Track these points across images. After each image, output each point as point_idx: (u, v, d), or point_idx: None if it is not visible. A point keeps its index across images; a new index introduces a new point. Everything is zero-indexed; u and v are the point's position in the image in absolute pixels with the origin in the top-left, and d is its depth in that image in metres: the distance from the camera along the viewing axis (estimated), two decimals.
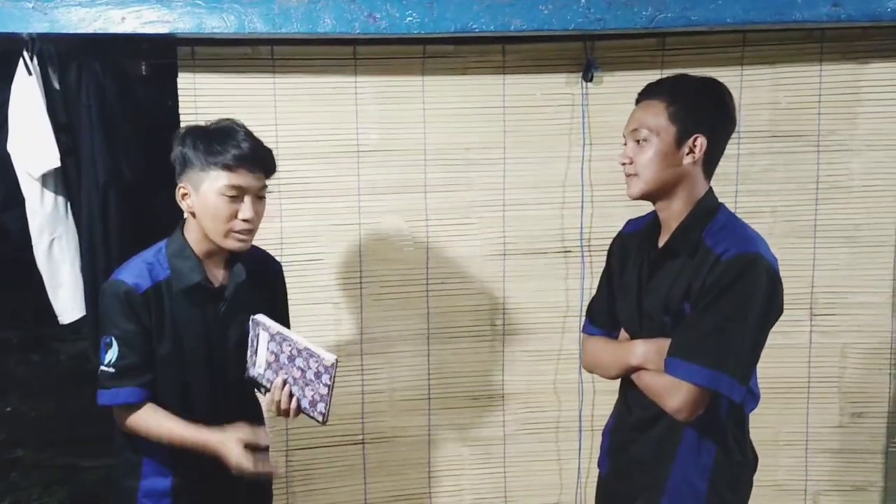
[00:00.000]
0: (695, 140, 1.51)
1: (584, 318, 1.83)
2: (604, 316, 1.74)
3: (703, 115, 1.52)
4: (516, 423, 2.46)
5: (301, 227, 2.29)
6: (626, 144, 1.59)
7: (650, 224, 1.66)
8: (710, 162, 1.56)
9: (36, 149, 2.05)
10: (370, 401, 2.39)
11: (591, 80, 2.26)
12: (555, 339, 2.42)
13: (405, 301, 2.37)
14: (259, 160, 1.60)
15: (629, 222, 1.77)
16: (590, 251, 2.36)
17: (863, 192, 2.33)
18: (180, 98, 2.16)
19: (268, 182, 1.65)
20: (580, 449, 2.45)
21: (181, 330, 1.64)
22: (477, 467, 2.48)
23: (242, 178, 1.57)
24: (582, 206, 2.34)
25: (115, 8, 1.92)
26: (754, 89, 2.29)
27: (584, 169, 2.33)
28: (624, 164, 1.57)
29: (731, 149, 2.29)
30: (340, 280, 2.33)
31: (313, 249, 2.30)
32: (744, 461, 1.61)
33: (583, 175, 2.33)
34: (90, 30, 1.92)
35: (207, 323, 1.66)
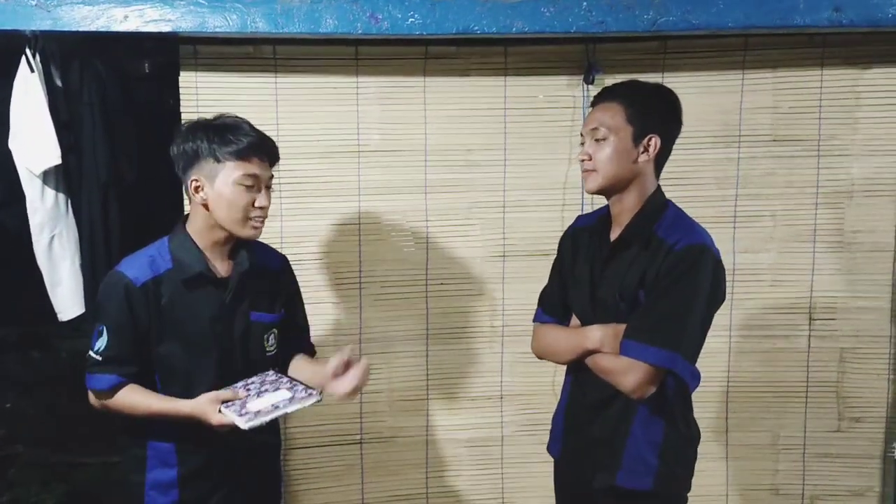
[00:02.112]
0: (649, 140, 1.64)
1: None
2: (556, 305, 1.83)
3: (657, 117, 1.65)
4: (514, 424, 2.46)
5: (301, 227, 2.29)
6: (583, 143, 1.70)
7: (601, 219, 1.77)
8: (660, 160, 1.68)
9: (37, 146, 2.06)
10: (369, 401, 2.40)
11: (592, 83, 2.26)
12: None
13: (405, 301, 2.37)
14: (269, 149, 1.67)
15: (579, 218, 1.91)
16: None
17: (863, 197, 2.34)
18: (182, 97, 2.17)
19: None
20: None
21: (185, 320, 1.67)
22: (475, 468, 2.48)
23: (257, 168, 1.63)
24: (582, 208, 2.34)
25: (117, 6, 1.93)
26: (755, 93, 2.29)
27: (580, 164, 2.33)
28: (583, 160, 1.68)
29: (731, 152, 2.32)
30: (340, 280, 2.34)
31: (313, 249, 2.31)
32: (689, 435, 1.72)
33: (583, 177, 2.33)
34: (93, 28, 1.93)
35: (212, 313, 1.69)
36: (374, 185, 2.30)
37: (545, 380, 2.43)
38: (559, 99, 2.31)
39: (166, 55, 2.17)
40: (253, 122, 2.17)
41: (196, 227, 1.69)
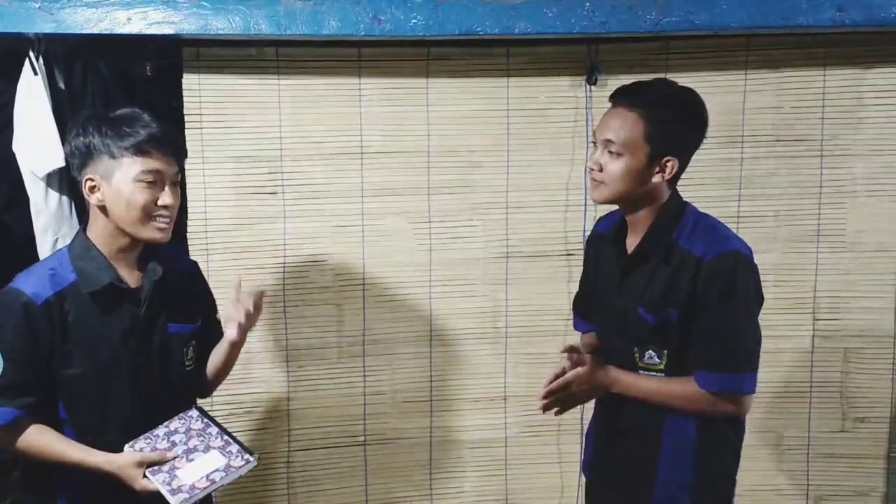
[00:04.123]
0: (666, 162, 1.54)
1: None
2: (589, 310, 1.84)
3: (679, 137, 1.55)
4: (518, 426, 2.46)
5: (304, 229, 2.29)
6: (595, 146, 1.61)
7: (617, 225, 1.70)
8: (676, 178, 1.59)
9: (41, 148, 2.05)
10: (372, 402, 2.40)
11: (594, 84, 2.27)
12: (557, 342, 2.40)
13: (408, 303, 2.37)
14: (171, 142, 1.53)
15: (600, 220, 1.84)
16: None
17: (866, 196, 2.33)
18: (185, 99, 2.17)
19: (180, 168, 1.57)
20: (582, 452, 2.45)
21: (94, 338, 1.50)
22: (478, 469, 2.48)
23: (158, 162, 1.48)
24: (585, 210, 2.34)
25: (120, 9, 1.92)
26: (758, 94, 2.29)
27: (588, 172, 2.33)
28: (592, 169, 1.60)
29: (734, 153, 2.32)
30: (343, 281, 2.33)
31: (316, 251, 2.31)
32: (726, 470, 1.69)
33: (586, 178, 2.33)
34: (96, 30, 1.93)
35: (125, 328, 1.53)
36: (376, 187, 2.30)
37: None
38: (562, 100, 2.31)
39: (169, 57, 2.16)
40: (256, 123, 2.20)
41: (97, 233, 1.52)
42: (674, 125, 1.53)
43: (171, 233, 1.54)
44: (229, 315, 1.60)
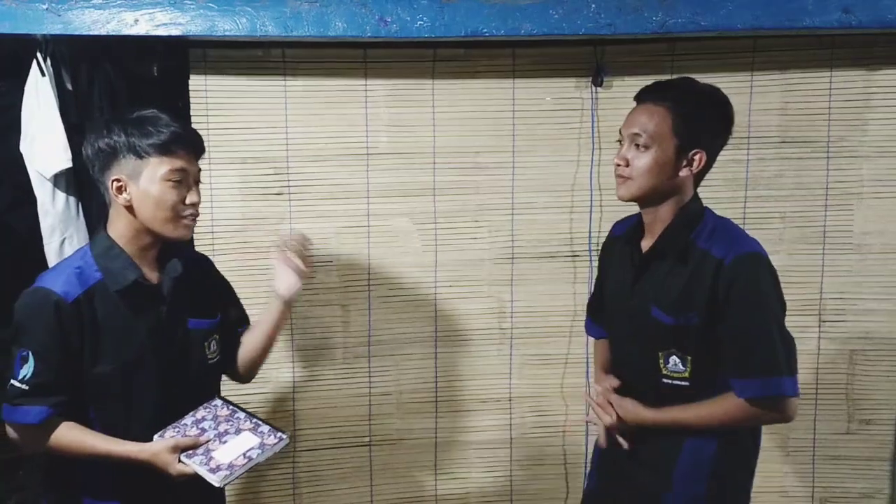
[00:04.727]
0: (694, 154, 1.54)
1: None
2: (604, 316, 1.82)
3: (707, 129, 1.54)
4: (523, 427, 2.46)
5: (310, 230, 2.27)
6: (621, 143, 1.60)
7: (633, 227, 1.69)
8: (703, 172, 1.59)
9: (48, 149, 2.06)
10: (377, 403, 2.40)
11: (600, 85, 2.27)
12: (562, 343, 2.42)
13: (413, 303, 2.37)
14: (195, 141, 1.56)
15: (616, 225, 1.83)
16: (598, 255, 2.35)
17: (872, 198, 2.33)
18: (191, 100, 2.17)
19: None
20: (587, 453, 2.45)
21: (121, 335, 1.52)
22: (483, 470, 2.48)
23: (183, 161, 1.51)
24: (590, 211, 2.34)
25: (128, 10, 1.93)
26: (764, 95, 2.29)
27: (593, 173, 2.33)
28: (618, 164, 1.58)
29: (740, 154, 2.32)
30: (349, 282, 2.34)
31: (322, 252, 2.31)
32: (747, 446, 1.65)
33: (591, 179, 2.34)
34: (103, 31, 1.93)
35: (150, 325, 1.56)
36: (382, 188, 2.31)
37: (554, 381, 2.43)
38: (567, 101, 2.31)
39: (176, 59, 2.17)
40: (262, 125, 2.21)
41: (120, 232, 1.54)
42: (700, 118, 1.53)
43: (193, 230, 1.58)
44: (278, 273, 1.65)
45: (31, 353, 1.47)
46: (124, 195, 1.51)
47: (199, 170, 1.58)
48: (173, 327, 1.60)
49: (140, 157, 1.49)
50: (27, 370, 1.47)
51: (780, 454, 2.43)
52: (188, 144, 1.53)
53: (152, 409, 1.56)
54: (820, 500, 2.46)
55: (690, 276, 1.53)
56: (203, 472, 1.45)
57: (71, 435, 1.50)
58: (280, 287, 1.69)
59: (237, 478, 1.47)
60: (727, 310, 1.50)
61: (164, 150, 1.49)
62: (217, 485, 1.44)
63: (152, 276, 1.58)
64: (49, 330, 1.47)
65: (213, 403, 1.62)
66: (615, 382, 1.68)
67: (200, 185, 1.58)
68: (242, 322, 1.80)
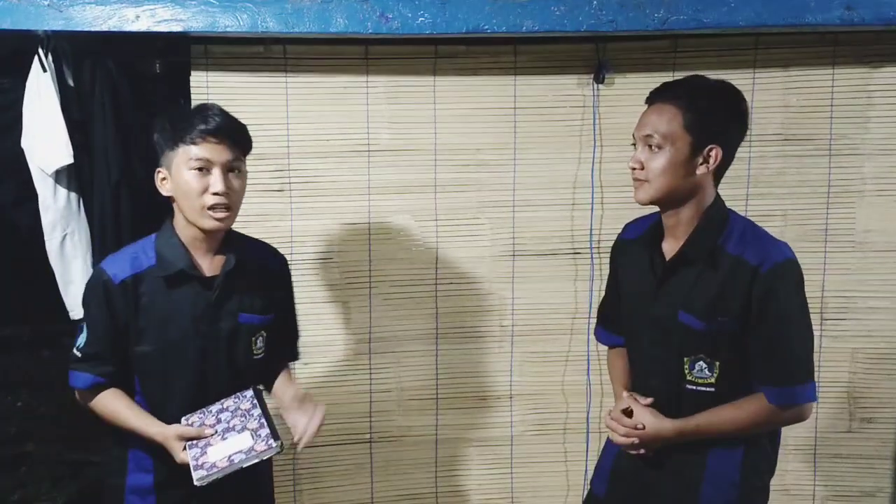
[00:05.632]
0: (710, 150, 1.50)
1: (593, 321, 1.83)
2: (617, 322, 1.76)
3: (720, 124, 1.51)
4: (524, 424, 2.46)
5: (311, 227, 2.30)
6: (634, 146, 1.57)
7: (651, 230, 1.64)
8: (721, 170, 1.55)
9: (50, 145, 2.07)
10: (378, 400, 2.40)
11: (602, 82, 2.26)
12: (563, 341, 2.41)
13: (414, 301, 2.37)
14: (224, 132, 1.56)
15: (628, 227, 1.77)
16: (599, 253, 2.36)
17: (874, 196, 2.32)
18: (193, 96, 2.17)
19: (245, 159, 1.62)
20: (587, 451, 2.45)
21: (164, 319, 1.61)
22: (484, 468, 2.48)
23: (207, 150, 1.53)
24: (592, 208, 2.34)
25: (129, 6, 1.93)
26: (766, 92, 2.28)
27: (595, 170, 2.33)
28: (634, 168, 1.55)
29: (742, 152, 2.28)
30: (350, 279, 2.34)
31: (323, 248, 2.31)
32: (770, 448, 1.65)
33: (593, 176, 2.33)
34: (104, 28, 1.94)
35: (196, 312, 1.62)
36: (383, 185, 2.31)
37: (555, 379, 2.43)
38: (569, 98, 2.31)
39: (177, 55, 2.17)
40: (263, 121, 2.21)
41: (177, 222, 1.62)
42: (712, 112, 1.50)
43: (232, 220, 1.59)
44: (294, 422, 1.63)
45: (85, 326, 1.63)
46: (167, 186, 1.59)
47: (235, 159, 1.57)
48: (221, 318, 1.65)
49: (172, 148, 1.56)
50: (81, 340, 1.63)
51: (781, 452, 2.41)
52: (218, 133, 1.54)
53: (189, 391, 1.64)
54: (821, 499, 2.46)
55: (724, 281, 1.50)
56: (192, 465, 1.49)
57: (112, 405, 1.62)
58: (297, 424, 1.64)
59: (215, 479, 1.47)
60: (763, 317, 1.48)
61: (190, 139, 1.53)
62: (195, 482, 1.47)
63: (207, 266, 1.64)
64: (99, 306, 1.60)
65: (244, 394, 1.65)
66: (628, 405, 1.64)
67: (236, 179, 1.58)
68: (288, 337, 1.84)
